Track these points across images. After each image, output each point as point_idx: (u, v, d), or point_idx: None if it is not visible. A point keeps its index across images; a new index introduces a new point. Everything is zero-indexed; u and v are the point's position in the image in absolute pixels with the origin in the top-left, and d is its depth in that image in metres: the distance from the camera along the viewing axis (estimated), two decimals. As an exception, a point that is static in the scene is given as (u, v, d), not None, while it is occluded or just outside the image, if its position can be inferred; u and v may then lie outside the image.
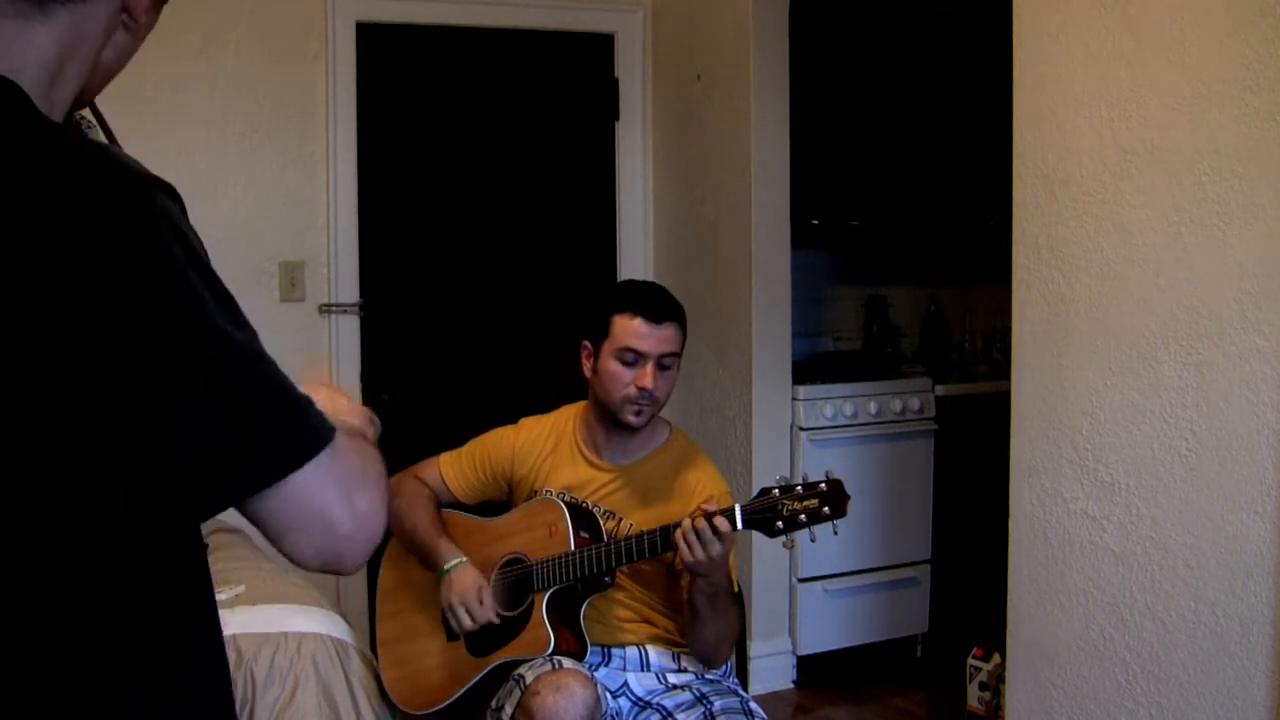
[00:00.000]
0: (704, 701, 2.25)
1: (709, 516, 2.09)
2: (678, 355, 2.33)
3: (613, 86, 4.23)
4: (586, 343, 2.37)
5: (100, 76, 1.02)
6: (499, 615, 2.29)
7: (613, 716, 2.24)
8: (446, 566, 2.32)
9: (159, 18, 1.05)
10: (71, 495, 0.88)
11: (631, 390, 2.28)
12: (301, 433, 0.92)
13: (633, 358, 2.28)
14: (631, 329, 2.28)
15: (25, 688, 0.88)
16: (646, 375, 2.27)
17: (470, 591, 2.28)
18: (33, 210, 0.84)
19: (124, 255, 0.85)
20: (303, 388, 0.96)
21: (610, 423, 2.35)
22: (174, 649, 0.96)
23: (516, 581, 2.33)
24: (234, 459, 0.89)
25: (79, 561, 0.89)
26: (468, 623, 2.28)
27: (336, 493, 0.93)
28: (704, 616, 2.20)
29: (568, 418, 2.47)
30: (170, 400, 0.86)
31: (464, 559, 2.33)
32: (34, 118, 0.90)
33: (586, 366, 2.37)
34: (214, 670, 1.02)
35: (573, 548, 2.26)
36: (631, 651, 2.35)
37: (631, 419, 2.30)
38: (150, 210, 0.87)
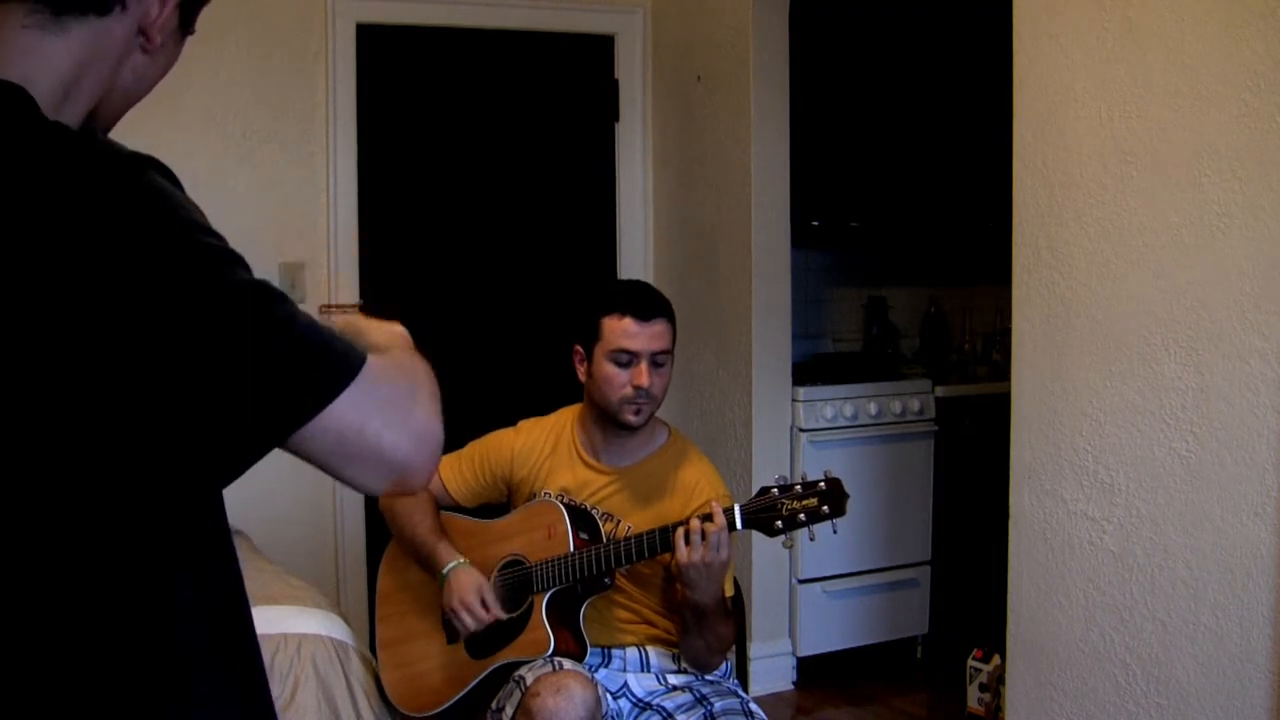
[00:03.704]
0: (704, 703, 2.25)
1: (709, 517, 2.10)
2: (670, 352, 2.33)
3: (613, 87, 4.23)
4: (579, 347, 2.37)
5: (119, 100, 1.03)
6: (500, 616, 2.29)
7: (613, 717, 2.24)
8: (446, 569, 2.32)
9: (182, 50, 1.06)
10: (94, 471, 0.89)
11: (628, 390, 2.28)
12: (328, 365, 0.91)
13: (626, 358, 2.28)
14: (621, 329, 2.28)
15: (38, 641, 0.91)
16: (642, 374, 2.27)
17: (471, 593, 2.28)
18: (35, 204, 0.86)
19: (125, 230, 0.86)
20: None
21: (608, 424, 2.35)
22: (188, 615, 0.97)
23: (516, 583, 2.33)
24: (268, 400, 0.89)
25: (98, 532, 0.91)
26: (471, 624, 2.27)
27: (384, 417, 0.92)
28: (692, 631, 2.22)
29: (566, 420, 2.47)
30: (194, 359, 0.87)
31: (463, 560, 2.33)
32: (36, 119, 0.91)
33: (580, 371, 2.37)
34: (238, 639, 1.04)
35: (572, 549, 2.26)
36: (631, 652, 2.35)
37: (631, 419, 2.30)
38: (143, 185, 0.89)
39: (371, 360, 0.94)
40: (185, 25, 1.05)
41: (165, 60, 1.05)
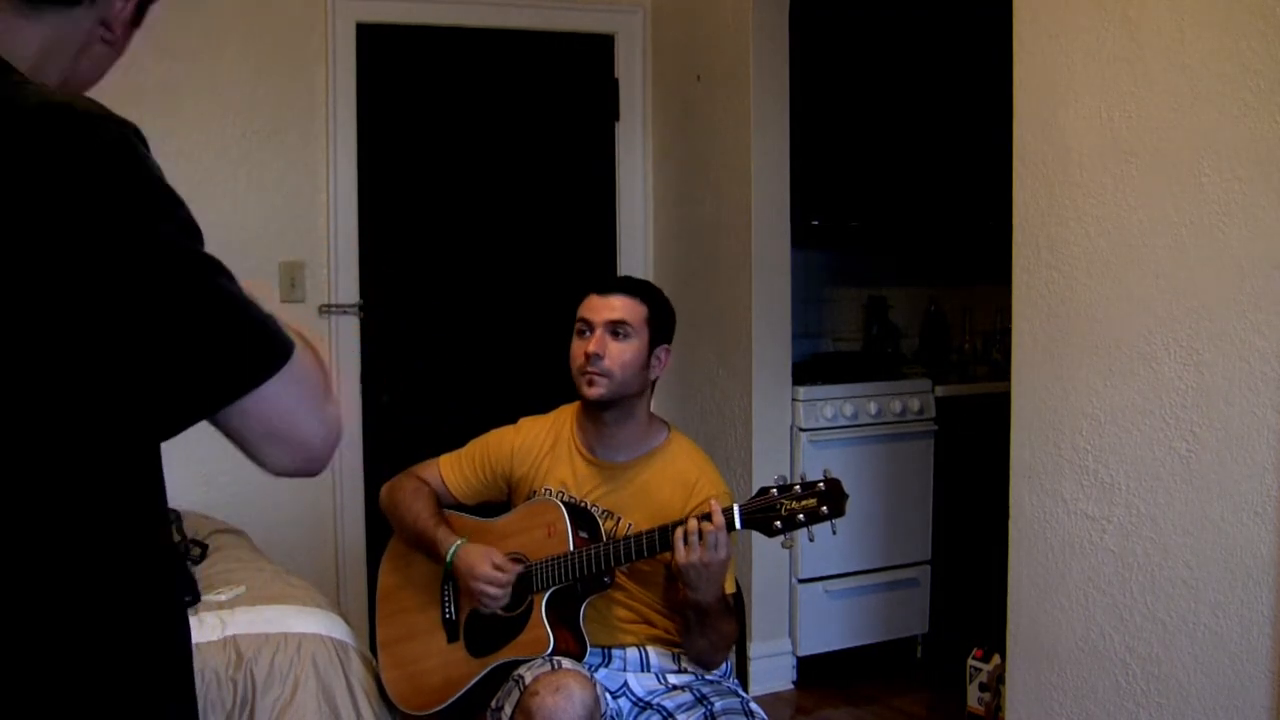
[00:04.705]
0: (704, 702, 2.25)
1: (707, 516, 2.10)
2: (631, 325, 2.33)
3: (613, 87, 4.23)
4: None
5: (75, 87, 1.08)
6: (502, 612, 2.29)
7: (613, 717, 2.24)
8: (449, 553, 2.32)
9: (133, 38, 1.11)
10: (40, 412, 0.91)
11: (581, 359, 2.30)
12: (267, 346, 0.95)
13: (581, 326, 2.34)
14: (584, 304, 2.36)
15: None
16: (591, 340, 2.30)
17: (483, 565, 2.27)
18: (14, 151, 0.89)
19: (91, 182, 0.89)
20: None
21: (594, 413, 2.36)
22: (126, 570, 0.98)
23: (516, 582, 2.33)
24: (207, 371, 0.92)
25: (38, 475, 0.92)
26: (496, 593, 2.26)
27: (307, 404, 0.97)
28: (694, 630, 2.23)
29: (566, 417, 2.48)
30: (139, 318, 0.89)
31: (464, 539, 2.33)
32: (17, 76, 0.95)
33: None
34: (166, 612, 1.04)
35: (572, 548, 2.26)
36: (631, 652, 2.35)
37: (585, 390, 2.32)
38: (114, 142, 0.92)
39: (298, 348, 0.97)
40: (137, 19, 1.10)
41: (119, 51, 1.11)
